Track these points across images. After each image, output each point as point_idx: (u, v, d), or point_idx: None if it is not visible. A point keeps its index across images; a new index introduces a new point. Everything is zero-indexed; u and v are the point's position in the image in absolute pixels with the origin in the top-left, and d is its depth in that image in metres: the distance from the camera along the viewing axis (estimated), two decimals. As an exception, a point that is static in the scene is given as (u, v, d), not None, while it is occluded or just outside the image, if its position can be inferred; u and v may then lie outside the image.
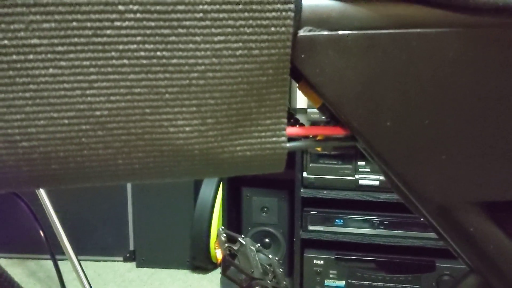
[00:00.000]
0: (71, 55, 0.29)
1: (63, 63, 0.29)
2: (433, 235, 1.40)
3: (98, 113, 0.30)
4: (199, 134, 0.32)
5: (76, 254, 1.28)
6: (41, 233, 1.00)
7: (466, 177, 0.35)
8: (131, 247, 1.84)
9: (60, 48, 0.29)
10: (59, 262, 1.80)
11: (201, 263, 1.73)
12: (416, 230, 1.44)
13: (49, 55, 0.29)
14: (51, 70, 0.29)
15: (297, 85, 0.37)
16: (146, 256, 1.80)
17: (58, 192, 1.74)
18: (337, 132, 0.36)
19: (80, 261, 1.33)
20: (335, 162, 1.48)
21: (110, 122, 0.31)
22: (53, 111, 0.30)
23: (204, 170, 0.34)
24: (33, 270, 1.80)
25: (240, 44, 0.31)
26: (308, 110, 1.49)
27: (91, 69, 0.30)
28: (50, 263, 1.89)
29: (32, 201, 1.28)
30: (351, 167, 1.47)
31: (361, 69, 0.33)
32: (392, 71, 0.33)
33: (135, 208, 1.79)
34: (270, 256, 0.72)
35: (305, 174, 1.49)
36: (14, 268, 1.79)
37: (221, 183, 1.66)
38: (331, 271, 1.49)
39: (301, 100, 1.60)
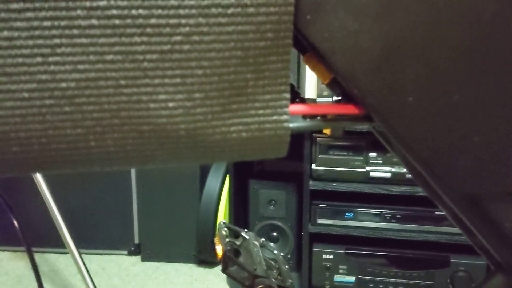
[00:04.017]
0: (29, 14, 0.24)
1: (19, 24, 0.24)
2: (448, 229, 1.35)
3: (63, 85, 0.26)
4: (184, 111, 0.27)
5: (80, 248, 1.26)
6: (15, 223, 0.97)
7: (502, 163, 0.30)
8: (136, 241, 1.83)
9: (15, 6, 0.24)
10: (63, 256, 1.78)
11: (206, 257, 1.70)
12: (429, 224, 1.39)
13: (2, 14, 0.24)
14: (5, 33, 0.24)
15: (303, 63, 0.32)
16: (151, 250, 1.78)
17: (62, 184, 1.71)
18: (350, 110, 0.31)
19: (85, 255, 1.31)
20: (345, 154, 1.43)
21: (78, 96, 0.26)
22: (10, 83, 0.25)
23: (192, 154, 0.29)
24: (37, 263, 1.77)
25: (232, 0, 0.25)
26: (317, 100, 1.44)
27: (53, 31, 0.25)
28: (53, 256, 1.87)
29: (34, 193, 1.25)
30: (362, 158, 1.42)
31: (378, 33, 0.27)
32: (415, 36, 0.28)
33: (140, 201, 1.77)
34: (276, 251, 0.67)
35: (313, 166, 1.45)
36: (18, 261, 1.77)
37: (228, 175, 1.62)
38: (340, 266, 1.45)
39: (310, 90, 1.54)
